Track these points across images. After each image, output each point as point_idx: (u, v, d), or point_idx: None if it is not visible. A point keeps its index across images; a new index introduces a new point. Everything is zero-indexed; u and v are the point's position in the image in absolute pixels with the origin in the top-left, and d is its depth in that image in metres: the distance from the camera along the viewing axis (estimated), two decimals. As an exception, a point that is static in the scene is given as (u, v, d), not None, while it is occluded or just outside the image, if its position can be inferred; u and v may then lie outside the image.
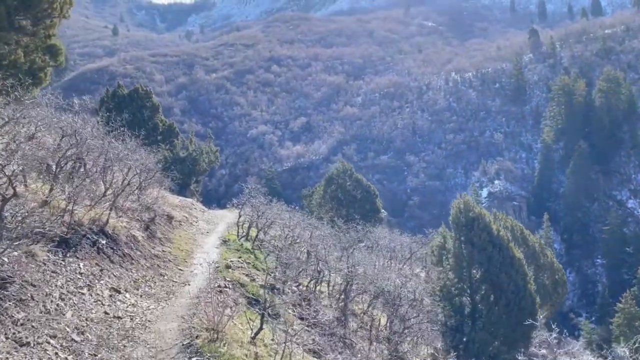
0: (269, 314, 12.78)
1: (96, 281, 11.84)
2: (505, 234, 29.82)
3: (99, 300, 11.18)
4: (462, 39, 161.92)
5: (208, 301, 11.22)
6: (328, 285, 19.99)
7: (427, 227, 48.99)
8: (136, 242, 15.32)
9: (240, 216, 23.63)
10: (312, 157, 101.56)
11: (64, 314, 9.84)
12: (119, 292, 12.08)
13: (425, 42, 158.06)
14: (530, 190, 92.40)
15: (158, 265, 15.23)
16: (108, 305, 11.24)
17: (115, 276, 12.76)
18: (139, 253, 15.00)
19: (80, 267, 11.79)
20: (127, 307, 11.62)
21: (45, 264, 10.78)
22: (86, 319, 10.18)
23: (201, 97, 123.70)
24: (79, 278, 11.39)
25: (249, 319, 12.11)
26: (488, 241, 27.82)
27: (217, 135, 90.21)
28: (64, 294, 10.45)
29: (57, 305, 9.95)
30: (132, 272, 13.59)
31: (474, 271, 28.01)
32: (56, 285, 10.51)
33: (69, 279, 11.07)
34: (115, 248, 13.87)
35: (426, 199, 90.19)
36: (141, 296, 12.64)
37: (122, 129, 17.46)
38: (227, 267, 16.53)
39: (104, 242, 13.43)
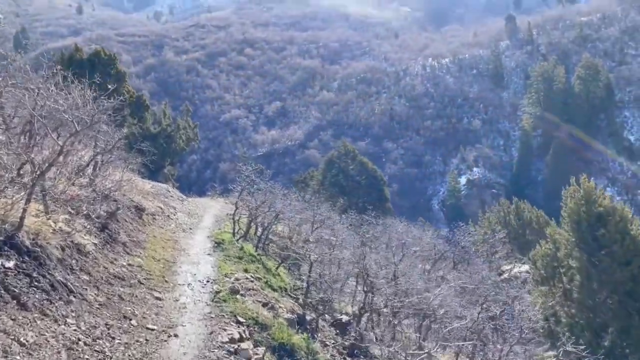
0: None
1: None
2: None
3: None
4: (438, 24, 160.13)
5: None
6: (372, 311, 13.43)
7: (406, 215, 46.63)
8: (82, 255, 9.64)
9: (236, 208, 18.61)
10: (288, 142, 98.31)
11: None
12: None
13: (401, 27, 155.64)
14: (508, 177, 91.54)
15: (120, 296, 9.39)
16: None
17: (25, 347, 6.29)
18: (85, 277, 9.13)
19: None
20: None
21: None
22: None
23: (171, 80, 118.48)
24: None
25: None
26: (632, 251, 19.12)
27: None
28: None
29: None
30: (67, 324, 7.42)
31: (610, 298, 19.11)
32: None
33: None
34: (35, 275, 7.70)
35: (405, 187, 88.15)
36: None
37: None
38: (233, 291, 11.25)
39: (10, 264, 7.40)
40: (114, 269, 10.46)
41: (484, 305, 12.13)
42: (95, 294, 8.95)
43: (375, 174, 39.94)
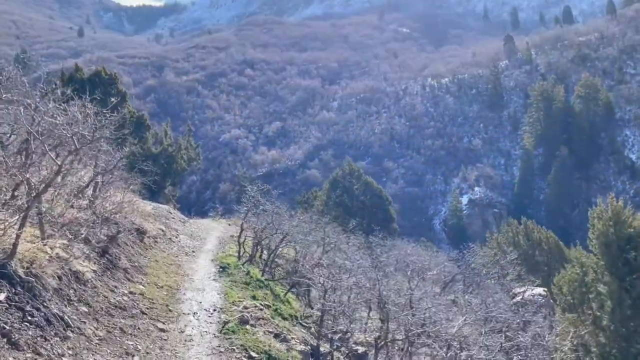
0: None
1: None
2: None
3: None
4: (437, 45, 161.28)
5: None
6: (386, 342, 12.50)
7: (407, 235, 45.91)
8: (80, 284, 8.90)
9: (242, 230, 17.85)
10: (288, 162, 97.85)
11: None
12: None
13: (400, 47, 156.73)
14: (510, 197, 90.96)
15: (122, 328, 8.59)
16: None
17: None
18: (84, 309, 8.34)
19: None
20: None
21: None
22: None
23: (171, 100, 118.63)
24: None
25: None
26: None
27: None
28: None
29: None
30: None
31: None
32: None
33: None
34: (28, 308, 6.95)
35: (406, 206, 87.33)
36: None
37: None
38: (243, 321, 10.49)
39: (1, 297, 6.77)
40: (114, 298, 9.69)
41: (508, 334, 11.35)
42: (94, 327, 8.14)
43: (381, 194, 39.14)
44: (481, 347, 10.97)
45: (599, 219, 20.15)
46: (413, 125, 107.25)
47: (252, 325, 10.53)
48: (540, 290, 21.86)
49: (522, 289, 20.94)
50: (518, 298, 20.30)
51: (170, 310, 10.66)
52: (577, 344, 18.67)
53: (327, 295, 11.58)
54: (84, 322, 8.10)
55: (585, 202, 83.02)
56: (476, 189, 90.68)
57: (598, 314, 18.99)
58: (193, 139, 52.13)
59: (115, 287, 10.34)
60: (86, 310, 8.51)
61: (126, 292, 10.45)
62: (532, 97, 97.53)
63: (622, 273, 18.70)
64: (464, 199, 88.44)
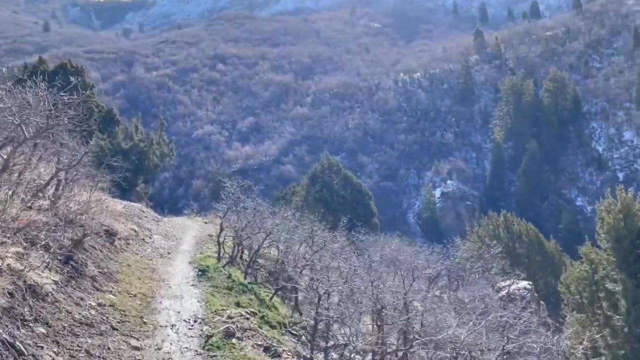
0: None
1: None
2: None
3: None
4: (408, 40, 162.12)
5: None
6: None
7: (383, 229, 45.87)
8: (38, 300, 7.70)
9: (221, 229, 16.73)
10: (262, 158, 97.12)
11: None
12: None
13: (372, 42, 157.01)
14: (482, 189, 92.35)
15: (88, 350, 7.40)
16: None
17: None
18: (41, 330, 7.18)
19: None
20: None
21: None
22: None
23: (141, 96, 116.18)
24: None
25: None
26: None
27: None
28: None
29: None
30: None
31: None
32: None
33: None
34: None
35: (380, 201, 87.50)
36: None
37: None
38: (229, 334, 9.47)
39: None
40: (80, 313, 8.49)
41: (509, 336, 10.93)
42: (54, 352, 6.89)
43: (361, 189, 38.92)
44: (483, 350, 10.54)
45: (608, 212, 18.71)
46: (386, 120, 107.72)
47: (238, 339, 9.61)
48: (525, 283, 21.81)
49: (507, 283, 20.88)
50: (503, 292, 20.21)
51: (145, 323, 9.59)
52: (587, 346, 17.30)
53: (320, 302, 10.62)
54: (41, 347, 6.85)
55: (554, 194, 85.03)
56: (449, 182, 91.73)
57: (609, 313, 17.86)
58: (166, 134, 50.94)
59: (81, 299, 9.17)
60: (44, 331, 7.30)
61: (94, 304, 9.34)
62: (502, 91, 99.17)
63: (634, 269, 17.51)
64: (437, 193, 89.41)
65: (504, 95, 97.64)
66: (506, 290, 18.67)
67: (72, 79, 14.63)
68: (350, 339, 10.24)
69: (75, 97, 10.44)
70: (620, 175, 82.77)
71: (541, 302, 21.15)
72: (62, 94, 9.50)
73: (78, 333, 7.88)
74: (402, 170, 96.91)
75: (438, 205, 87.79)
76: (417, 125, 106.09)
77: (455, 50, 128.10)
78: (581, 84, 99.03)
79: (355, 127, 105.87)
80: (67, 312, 8.27)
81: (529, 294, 18.91)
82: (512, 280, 20.17)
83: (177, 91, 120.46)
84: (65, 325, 7.82)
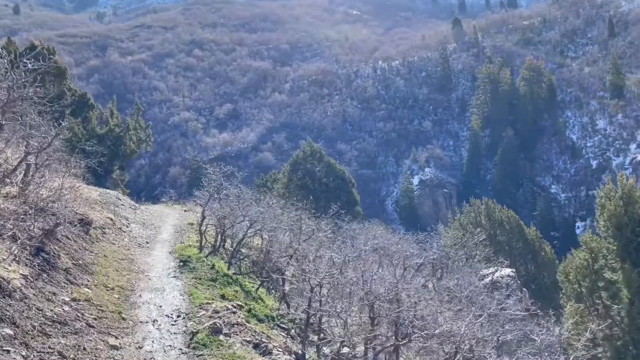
0: None
1: None
2: None
3: None
4: (387, 27, 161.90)
5: None
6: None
7: (365, 217, 45.87)
8: (4, 296, 6.94)
9: (203, 218, 16.31)
10: (241, 145, 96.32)
11: None
12: None
13: (350, 29, 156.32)
14: (459, 177, 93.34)
15: (61, 353, 6.61)
16: None
17: None
18: (8, 331, 6.38)
19: None
20: None
21: None
22: None
23: (116, 82, 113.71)
24: None
25: None
26: None
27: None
28: None
29: None
30: None
31: None
32: None
33: None
34: None
35: (359, 188, 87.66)
36: None
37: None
38: (215, 330, 8.83)
39: None
40: (52, 310, 7.58)
41: (505, 327, 10.77)
42: (23, 356, 6.12)
43: (344, 176, 38.52)
44: (479, 342, 10.37)
45: (608, 199, 17.79)
46: (365, 107, 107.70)
47: (226, 335, 8.94)
48: (508, 271, 21.86)
49: (490, 270, 20.92)
50: (487, 280, 20.26)
51: (123, 319, 8.78)
52: (587, 338, 16.03)
53: (313, 295, 10.06)
54: (7, 352, 6.11)
55: (529, 181, 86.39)
56: (426, 169, 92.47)
57: (608, 303, 17.15)
58: (143, 119, 49.74)
59: (53, 294, 8.25)
60: (11, 332, 6.43)
61: (67, 299, 8.44)
62: (479, 79, 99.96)
63: (635, 258, 16.85)
64: (415, 180, 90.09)
65: (481, 84, 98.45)
66: (490, 278, 18.71)
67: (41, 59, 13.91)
68: (344, 333, 9.93)
69: (42, 63, 9.68)
70: (594, 164, 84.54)
71: (524, 289, 21.33)
72: (25, 60, 8.76)
73: (50, 333, 7.10)
74: (380, 157, 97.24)
75: (416, 192, 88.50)
76: (395, 113, 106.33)
77: (433, 39, 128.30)
78: (556, 72, 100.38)
79: (334, 115, 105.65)
80: (38, 309, 7.47)
81: (513, 282, 18.93)
82: (495, 267, 20.26)
83: (153, 77, 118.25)
84: (36, 324, 7.02)
